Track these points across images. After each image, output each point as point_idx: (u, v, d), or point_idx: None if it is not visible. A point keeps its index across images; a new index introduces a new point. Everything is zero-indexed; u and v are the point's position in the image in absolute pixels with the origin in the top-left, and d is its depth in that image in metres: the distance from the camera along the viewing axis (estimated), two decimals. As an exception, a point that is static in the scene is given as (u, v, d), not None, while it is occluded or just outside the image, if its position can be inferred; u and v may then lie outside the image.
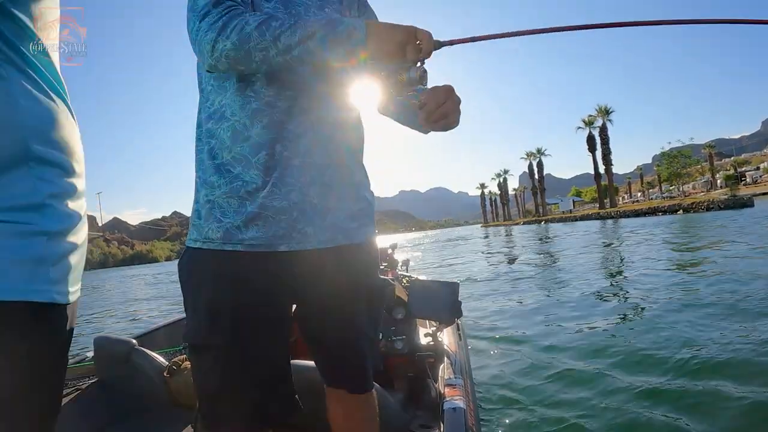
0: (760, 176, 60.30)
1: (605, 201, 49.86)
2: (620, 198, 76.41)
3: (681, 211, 29.44)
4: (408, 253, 11.71)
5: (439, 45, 0.74)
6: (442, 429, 1.21)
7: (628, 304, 4.34)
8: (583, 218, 42.07)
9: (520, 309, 4.75)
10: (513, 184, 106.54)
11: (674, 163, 46.39)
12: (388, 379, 1.79)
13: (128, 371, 1.63)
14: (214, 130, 0.80)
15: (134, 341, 1.70)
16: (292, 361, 0.94)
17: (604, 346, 3.07)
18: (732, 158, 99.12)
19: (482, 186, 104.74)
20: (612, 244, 12.20)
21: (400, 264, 2.86)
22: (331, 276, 0.84)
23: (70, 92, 0.68)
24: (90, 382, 1.69)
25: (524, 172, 71.67)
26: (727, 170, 70.37)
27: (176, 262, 0.88)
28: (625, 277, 6.15)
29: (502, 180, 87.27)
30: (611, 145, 46.99)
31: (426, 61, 0.74)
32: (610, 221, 30.18)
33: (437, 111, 0.74)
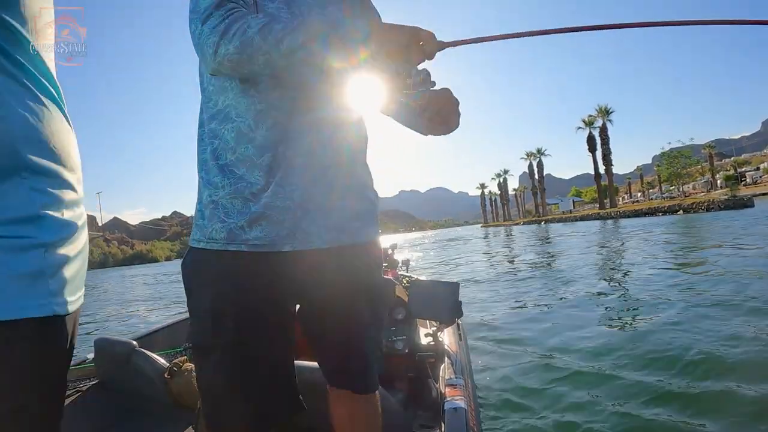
0: (760, 177, 60.31)
1: (605, 201, 49.84)
2: (620, 198, 76.41)
3: (681, 212, 29.42)
4: (408, 253, 11.71)
5: (443, 46, 0.74)
6: (443, 429, 1.21)
7: (629, 304, 4.34)
8: (583, 218, 42.05)
9: (520, 309, 4.75)
10: (513, 184, 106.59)
11: (674, 164, 46.33)
12: (389, 380, 1.79)
13: (129, 373, 1.63)
14: (218, 130, 0.80)
15: (135, 342, 1.70)
16: (295, 362, 0.94)
17: (606, 346, 3.07)
18: (732, 158, 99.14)
19: (482, 186, 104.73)
20: (613, 244, 12.20)
21: (400, 264, 2.86)
22: (334, 276, 0.84)
23: (70, 92, 0.67)
24: (90, 383, 1.69)
25: (524, 172, 71.67)
26: (727, 170, 70.36)
27: (176, 261, 0.88)
28: (627, 277, 6.15)
29: (502, 180, 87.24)
30: (611, 145, 47.05)
31: (429, 62, 0.74)
32: (610, 221, 30.17)
33: (437, 116, 0.74)
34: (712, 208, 27.10)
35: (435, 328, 1.82)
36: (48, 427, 0.61)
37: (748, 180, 59.67)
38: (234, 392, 0.81)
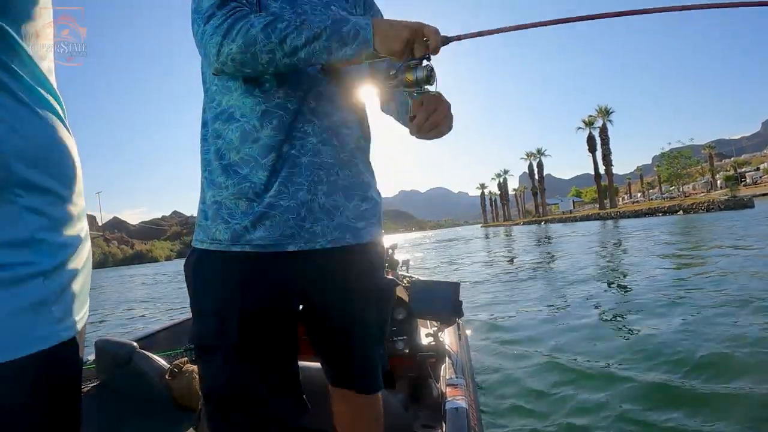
0: (760, 177, 60.35)
1: (605, 201, 49.88)
2: (620, 198, 76.47)
3: (681, 212, 29.44)
4: (408, 254, 11.71)
5: (447, 41, 0.73)
6: (444, 429, 1.21)
7: (631, 304, 4.33)
8: (583, 219, 42.07)
9: (521, 309, 4.75)
10: (513, 184, 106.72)
11: (674, 164, 46.33)
12: (390, 380, 1.78)
13: (129, 374, 1.63)
14: (222, 130, 0.80)
15: (135, 344, 1.70)
16: (298, 362, 0.94)
17: (607, 346, 3.07)
18: (732, 159, 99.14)
19: (482, 186, 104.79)
20: (613, 244, 12.19)
21: (400, 264, 2.85)
22: (338, 275, 0.84)
23: (70, 92, 0.66)
24: (91, 385, 1.69)
25: (524, 172, 71.62)
26: (727, 171, 70.35)
27: (176, 261, 0.88)
28: (628, 277, 6.15)
29: (502, 180, 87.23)
30: (611, 146, 47.05)
31: (434, 56, 0.73)
32: (610, 222, 30.18)
33: (427, 123, 0.74)
34: (712, 208, 27.11)
35: (436, 328, 1.82)
36: None
37: (748, 180, 59.73)
38: (237, 393, 0.80)
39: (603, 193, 50.51)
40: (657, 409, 2.08)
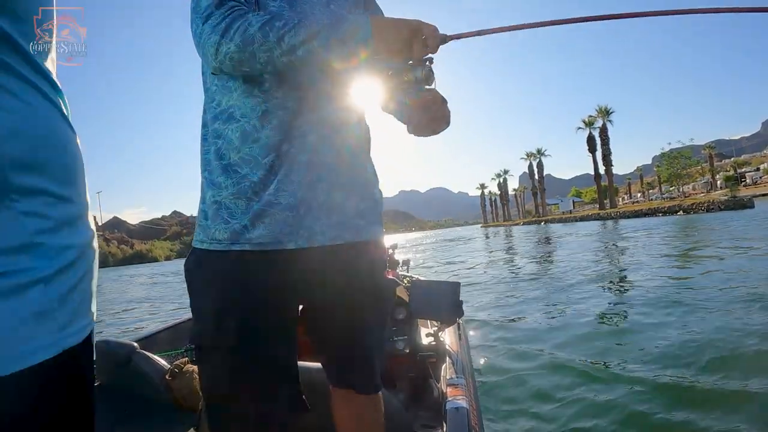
0: (760, 177, 60.32)
1: (605, 202, 49.87)
2: (620, 199, 76.42)
3: (681, 212, 29.43)
4: (408, 254, 11.70)
5: (446, 39, 0.73)
6: (444, 429, 1.21)
7: (632, 304, 4.34)
8: (583, 219, 42.07)
9: (521, 308, 4.75)
10: (513, 184, 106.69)
11: (674, 164, 46.31)
12: (390, 380, 1.78)
13: (129, 374, 1.63)
14: (222, 130, 0.80)
15: (135, 344, 1.70)
16: (298, 362, 0.94)
17: (609, 346, 3.07)
18: (732, 159, 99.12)
19: (482, 186, 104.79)
20: (613, 244, 12.19)
21: (400, 264, 2.85)
22: (338, 274, 0.84)
23: (70, 92, 0.63)
24: None
25: (524, 172, 71.65)
26: (727, 171, 70.33)
27: (176, 261, 0.88)
28: (629, 277, 6.15)
29: (502, 180, 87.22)
30: (611, 146, 47.06)
31: (433, 55, 0.73)
32: (610, 222, 30.18)
33: (424, 120, 0.74)
34: (712, 208, 27.10)
35: (436, 328, 1.82)
36: None
37: (747, 181, 59.68)
38: (237, 393, 0.80)
39: (603, 193, 50.51)
40: (658, 409, 2.08)
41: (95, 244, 0.60)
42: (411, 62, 0.73)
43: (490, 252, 15.20)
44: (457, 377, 1.49)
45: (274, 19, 0.70)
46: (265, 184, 0.77)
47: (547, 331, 3.71)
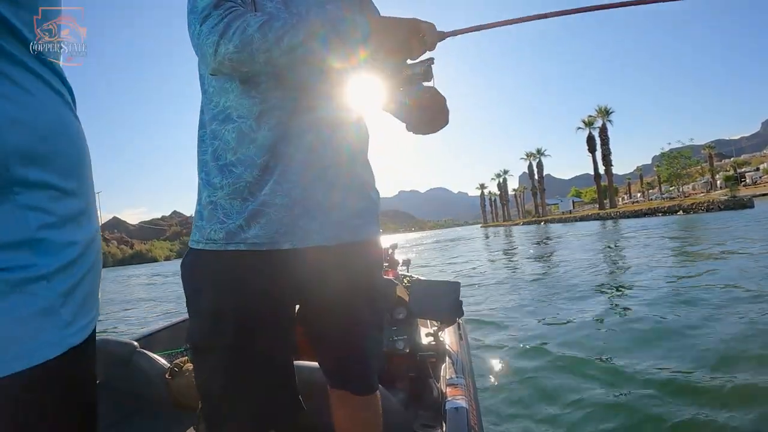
0: (760, 177, 60.31)
1: (605, 201, 49.89)
2: (620, 199, 76.45)
3: (681, 212, 29.43)
4: (408, 254, 11.70)
5: (443, 36, 0.73)
6: (444, 429, 1.21)
7: (632, 303, 4.33)
8: (582, 219, 42.07)
9: (522, 308, 4.75)
10: (513, 184, 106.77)
11: (674, 164, 46.33)
12: (390, 379, 1.78)
13: (129, 373, 1.63)
14: (219, 131, 0.79)
15: (135, 343, 1.70)
16: (295, 362, 0.94)
17: (610, 345, 3.07)
18: (732, 159, 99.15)
19: (482, 186, 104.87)
20: (614, 244, 12.19)
21: (400, 264, 2.85)
22: (334, 274, 0.84)
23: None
24: None
25: (524, 172, 71.62)
26: (726, 171, 70.33)
27: (175, 261, 0.88)
28: (630, 276, 6.14)
29: (501, 180, 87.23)
30: (611, 146, 47.08)
31: (430, 53, 0.73)
32: (610, 222, 30.17)
33: (424, 118, 0.75)
34: (712, 208, 27.10)
35: (436, 328, 1.82)
36: None
37: (747, 180, 59.65)
38: (233, 393, 0.80)
39: (603, 193, 50.52)
40: (659, 409, 2.08)
41: (99, 238, 0.58)
42: (409, 60, 0.73)
43: (490, 252, 15.20)
44: (456, 377, 1.49)
45: (273, 20, 0.70)
46: (261, 184, 0.77)
47: (548, 331, 3.71)
